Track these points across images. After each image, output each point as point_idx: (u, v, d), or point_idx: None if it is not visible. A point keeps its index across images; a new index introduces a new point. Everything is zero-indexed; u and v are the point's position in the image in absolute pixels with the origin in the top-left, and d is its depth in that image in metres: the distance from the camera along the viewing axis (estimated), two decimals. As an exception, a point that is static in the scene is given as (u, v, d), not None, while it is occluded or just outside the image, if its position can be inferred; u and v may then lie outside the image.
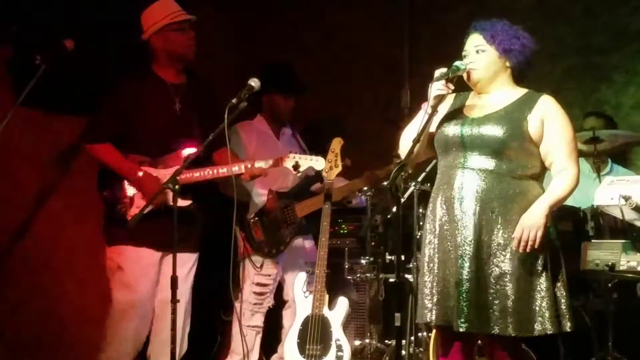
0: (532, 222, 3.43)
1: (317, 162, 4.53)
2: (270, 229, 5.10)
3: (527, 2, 5.84)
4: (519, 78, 3.70)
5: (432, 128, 3.66)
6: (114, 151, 4.51)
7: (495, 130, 3.54)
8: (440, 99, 3.56)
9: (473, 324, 3.43)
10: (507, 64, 3.65)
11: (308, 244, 5.33)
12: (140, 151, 4.51)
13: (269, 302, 5.22)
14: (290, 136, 5.51)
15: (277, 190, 5.17)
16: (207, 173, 4.45)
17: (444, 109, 3.67)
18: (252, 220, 5.08)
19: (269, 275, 5.19)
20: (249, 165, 4.45)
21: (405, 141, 3.70)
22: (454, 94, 3.69)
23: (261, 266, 5.11)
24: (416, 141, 3.46)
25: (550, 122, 3.55)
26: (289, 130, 5.51)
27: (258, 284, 5.16)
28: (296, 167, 4.50)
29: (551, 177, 3.58)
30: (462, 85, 3.70)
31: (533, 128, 3.55)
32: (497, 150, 3.53)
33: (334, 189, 4.95)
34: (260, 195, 5.14)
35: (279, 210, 5.12)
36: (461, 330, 3.43)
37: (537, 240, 3.40)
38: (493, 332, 3.43)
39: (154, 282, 4.56)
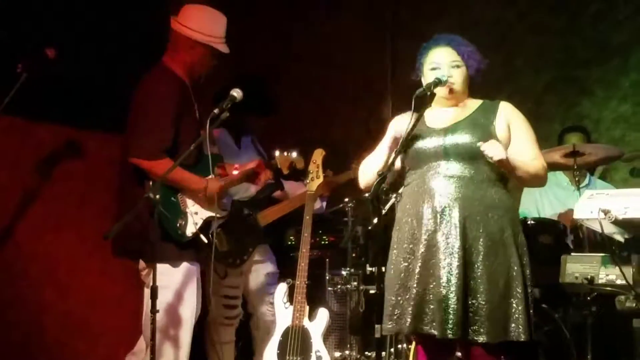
0: (497, 147, 3.48)
1: (298, 161, 4.71)
2: (233, 239, 5.08)
3: (510, 15, 5.87)
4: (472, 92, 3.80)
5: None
6: (176, 166, 4.10)
7: (467, 137, 3.59)
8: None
9: (460, 331, 3.44)
10: (470, 81, 3.75)
11: (268, 254, 5.31)
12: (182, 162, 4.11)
13: (239, 315, 5.21)
14: (249, 143, 5.46)
15: (239, 199, 5.16)
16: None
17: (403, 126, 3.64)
18: (215, 231, 5.04)
19: (236, 287, 5.17)
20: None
21: (366, 172, 3.74)
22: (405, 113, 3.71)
23: (225, 275, 5.08)
24: (398, 153, 3.48)
25: (515, 125, 3.68)
26: (248, 137, 5.46)
27: (226, 297, 5.14)
28: (291, 167, 4.58)
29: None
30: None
31: (500, 132, 3.64)
32: (472, 156, 3.57)
33: (297, 195, 4.97)
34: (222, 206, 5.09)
35: (241, 219, 5.11)
36: (450, 336, 3.43)
37: (495, 158, 3.46)
38: (479, 339, 3.45)
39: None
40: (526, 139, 3.66)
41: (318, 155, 4.85)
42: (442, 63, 3.69)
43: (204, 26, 4.41)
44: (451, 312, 3.44)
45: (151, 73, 4.37)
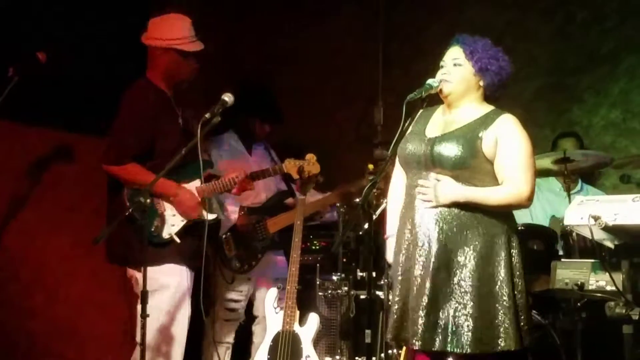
0: (438, 193, 3.50)
1: (314, 166, 4.72)
2: (242, 244, 5.10)
3: (500, 22, 5.88)
4: (490, 98, 3.70)
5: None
6: (144, 170, 4.31)
7: (452, 149, 3.54)
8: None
9: (435, 343, 3.44)
10: (481, 82, 3.64)
11: (280, 259, 5.33)
12: (156, 168, 4.25)
13: (240, 318, 5.22)
14: (263, 150, 5.51)
15: (249, 206, 5.18)
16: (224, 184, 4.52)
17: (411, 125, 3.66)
18: (223, 237, 5.07)
19: (241, 292, 5.19)
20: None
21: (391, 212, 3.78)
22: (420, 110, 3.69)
23: (232, 281, 5.11)
24: (389, 158, 3.49)
25: (504, 141, 3.55)
26: (260, 145, 5.51)
27: (230, 300, 5.16)
28: (300, 172, 4.57)
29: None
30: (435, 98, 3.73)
31: (486, 146, 3.55)
32: (454, 169, 3.54)
33: (306, 203, 4.96)
34: (231, 213, 5.13)
35: (250, 226, 5.13)
36: (434, 349, 3.44)
37: (428, 206, 3.51)
38: (456, 349, 3.44)
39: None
40: (508, 160, 3.54)
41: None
42: (446, 61, 3.67)
43: (165, 32, 4.51)
44: (424, 324, 3.44)
45: (131, 86, 4.49)
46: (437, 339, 3.44)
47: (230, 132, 5.40)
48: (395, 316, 3.56)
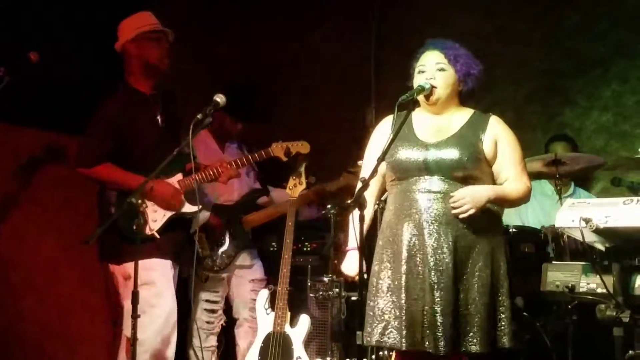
0: (474, 198, 3.51)
1: (302, 146, 4.69)
2: (215, 243, 5.08)
3: (492, 26, 5.90)
4: (465, 101, 3.76)
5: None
6: (117, 168, 4.44)
7: (454, 154, 3.57)
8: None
9: (451, 346, 3.45)
10: (461, 87, 3.70)
11: (255, 259, 5.31)
12: (135, 168, 4.39)
13: (221, 320, 5.20)
14: (236, 149, 5.48)
15: (223, 204, 5.15)
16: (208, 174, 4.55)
17: (386, 132, 3.64)
18: (196, 236, 5.04)
19: (217, 292, 5.17)
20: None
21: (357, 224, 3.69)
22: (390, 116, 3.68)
23: (206, 280, 5.07)
24: (380, 160, 3.48)
25: (502, 141, 3.66)
26: (234, 143, 5.49)
27: (207, 301, 5.14)
28: (287, 153, 4.56)
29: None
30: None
31: (487, 148, 3.63)
32: (458, 173, 3.57)
33: (283, 202, 4.97)
34: (204, 210, 5.07)
35: (224, 224, 5.10)
36: (441, 353, 3.44)
37: (467, 215, 3.50)
38: (470, 350, 3.46)
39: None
40: (511, 159, 3.65)
41: (301, 162, 4.86)
42: (427, 66, 3.68)
43: (130, 27, 4.61)
44: (443, 328, 3.44)
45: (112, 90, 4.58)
46: (449, 343, 3.44)
47: (205, 130, 5.33)
48: (398, 322, 3.53)
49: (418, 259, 3.56)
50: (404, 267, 3.57)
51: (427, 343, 3.47)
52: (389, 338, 3.55)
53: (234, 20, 6.57)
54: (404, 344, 3.50)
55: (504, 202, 3.67)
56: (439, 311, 3.46)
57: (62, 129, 5.23)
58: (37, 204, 5.21)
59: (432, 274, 3.51)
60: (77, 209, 5.20)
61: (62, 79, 5.10)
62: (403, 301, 3.54)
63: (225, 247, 5.12)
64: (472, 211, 3.51)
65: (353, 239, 3.75)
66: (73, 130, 5.17)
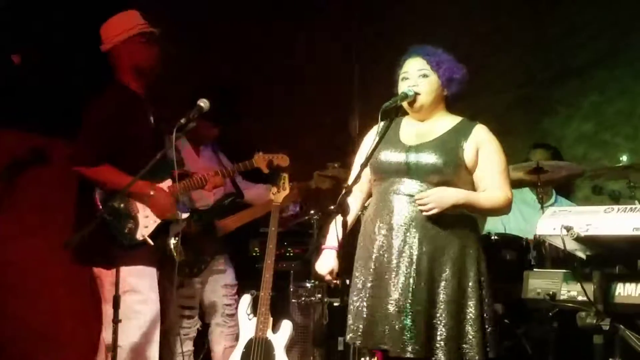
0: (439, 198, 3.51)
1: (282, 159, 4.68)
2: (191, 248, 5.06)
3: (473, 36, 5.93)
4: (450, 107, 3.76)
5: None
6: (116, 170, 4.27)
7: (432, 158, 3.58)
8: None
9: (419, 350, 3.44)
10: (445, 92, 3.71)
11: (227, 264, 5.30)
12: (130, 169, 4.20)
13: (196, 325, 5.19)
14: (211, 152, 5.48)
15: (198, 209, 5.14)
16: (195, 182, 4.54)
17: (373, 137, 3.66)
18: (171, 241, 5.02)
19: (192, 297, 5.16)
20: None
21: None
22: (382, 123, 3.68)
23: (181, 286, 5.06)
24: (364, 165, 3.50)
25: (484, 149, 3.63)
26: (208, 147, 5.48)
27: (182, 307, 5.12)
28: (269, 165, 4.56)
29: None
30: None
31: (468, 156, 3.61)
32: (434, 177, 3.57)
33: (262, 203, 4.98)
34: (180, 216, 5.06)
35: (199, 229, 5.10)
36: (409, 355, 3.44)
37: (429, 214, 3.50)
38: (435, 358, 3.46)
39: None
40: (492, 167, 3.62)
41: (283, 172, 4.88)
42: (410, 72, 3.69)
43: (118, 28, 4.50)
44: (411, 331, 3.45)
45: (103, 90, 4.47)
46: (415, 345, 3.44)
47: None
48: (365, 322, 3.56)
49: (385, 259, 3.58)
50: (371, 267, 3.60)
51: (386, 344, 3.49)
52: (351, 337, 3.60)
53: (215, 27, 6.56)
54: (358, 342, 3.56)
55: (475, 210, 3.63)
56: (398, 312, 3.47)
57: (45, 131, 5.21)
58: (23, 206, 5.18)
59: (394, 275, 3.53)
60: (63, 210, 5.15)
61: (46, 80, 5.07)
62: (366, 301, 3.57)
63: (200, 253, 5.11)
64: (434, 211, 3.51)
65: (331, 238, 3.77)
66: (56, 132, 5.17)
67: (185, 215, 4.50)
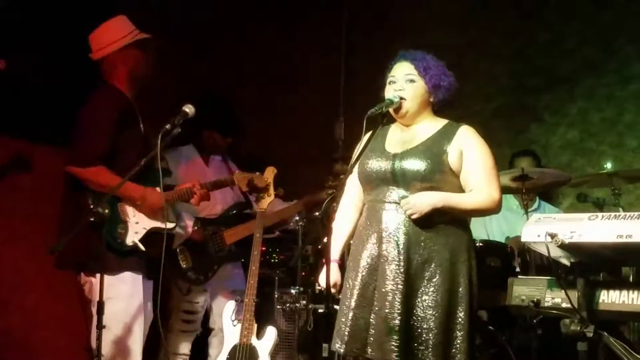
0: (417, 203, 3.52)
1: (258, 179, 4.71)
2: (198, 256, 5.07)
3: (461, 41, 5.94)
4: (437, 112, 3.77)
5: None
6: (112, 173, 4.21)
7: (416, 165, 3.58)
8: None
9: (406, 357, 3.45)
10: (432, 98, 3.70)
11: (237, 271, 5.32)
12: (122, 173, 4.14)
13: (195, 330, 5.18)
14: (220, 162, 5.51)
15: (205, 218, 5.15)
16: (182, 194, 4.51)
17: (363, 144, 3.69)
18: (178, 249, 5.02)
19: (197, 303, 5.17)
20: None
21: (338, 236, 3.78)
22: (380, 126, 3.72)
23: (188, 292, 5.08)
24: (348, 174, 3.50)
25: (468, 151, 3.62)
26: (217, 157, 5.51)
27: (185, 312, 5.13)
28: (249, 184, 4.56)
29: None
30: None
31: (452, 159, 3.61)
32: (419, 184, 3.57)
33: (272, 212, 4.97)
34: (187, 225, 5.05)
35: (206, 237, 5.10)
36: None
37: (413, 217, 3.51)
38: None
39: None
40: (476, 168, 3.61)
41: (270, 173, 4.85)
42: (397, 76, 3.69)
43: (113, 36, 4.46)
44: (395, 337, 3.45)
45: (97, 90, 4.43)
46: (402, 352, 3.44)
47: (190, 145, 5.40)
48: (348, 329, 3.56)
49: (373, 267, 3.59)
50: (359, 275, 3.61)
51: (369, 351, 3.49)
52: (335, 343, 3.60)
53: (202, 32, 6.55)
54: (341, 349, 3.56)
55: (456, 211, 3.61)
56: (385, 319, 3.46)
57: (30, 137, 5.18)
58: (2, 212, 5.15)
59: (380, 282, 3.53)
60: (44, 216, 5.13)
61: (31, 87, 5.05)
62: (352, 307, 3.58)
63: (207, 260, 5.11)
64: (415, 216, 3.52)
65: (334, 251, 3.76)
66: (42, 139, 5.15)
67: (171, 225, 4.45)
